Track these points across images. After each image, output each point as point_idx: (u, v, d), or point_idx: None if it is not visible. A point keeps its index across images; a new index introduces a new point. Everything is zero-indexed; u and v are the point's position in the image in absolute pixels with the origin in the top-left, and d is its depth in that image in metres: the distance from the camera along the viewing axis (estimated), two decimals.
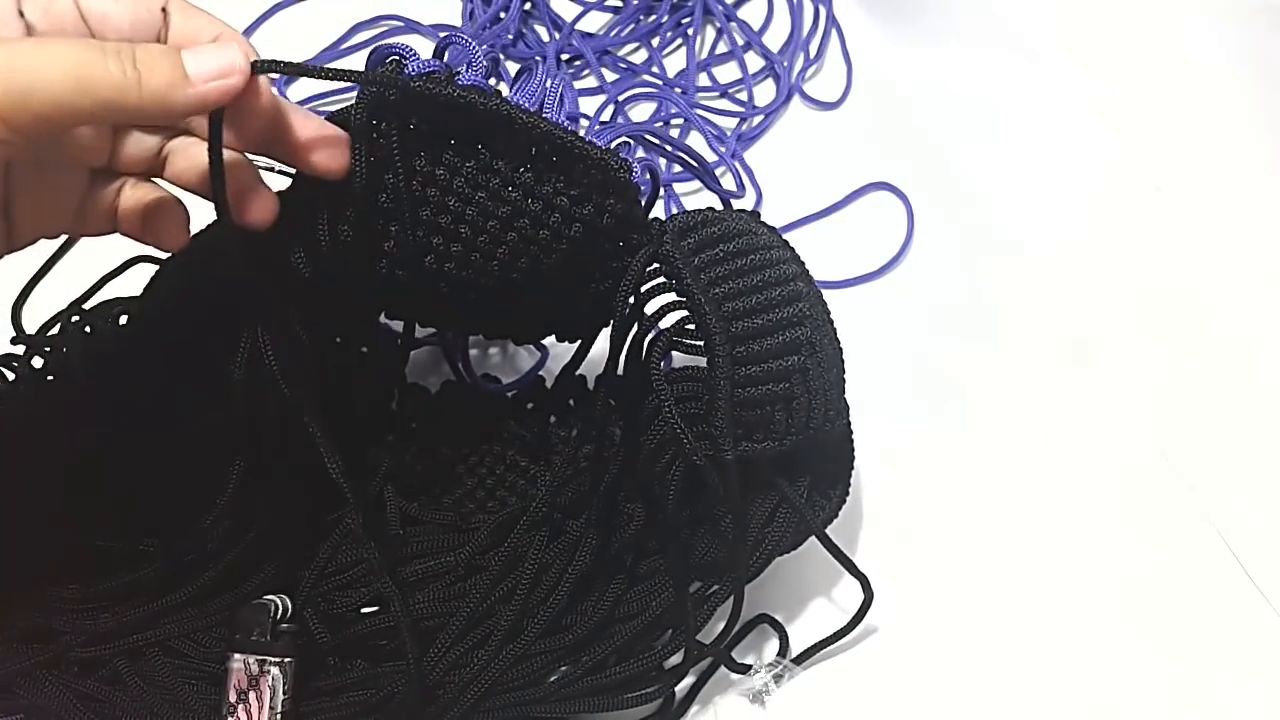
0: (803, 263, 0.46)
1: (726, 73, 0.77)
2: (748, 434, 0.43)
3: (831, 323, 0.46)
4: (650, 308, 0.43)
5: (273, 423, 0.45)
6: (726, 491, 0.43)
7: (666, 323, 0.43)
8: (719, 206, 0.48)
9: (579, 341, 0.50)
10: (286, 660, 0.45)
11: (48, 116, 0.32)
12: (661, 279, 0.43)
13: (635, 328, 0.44)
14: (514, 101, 0.40)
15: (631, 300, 0.43)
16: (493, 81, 0.41)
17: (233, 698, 0.44)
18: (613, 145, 0.42)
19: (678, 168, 0.69)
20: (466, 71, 0.40)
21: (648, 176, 0.46)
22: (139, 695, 0.45)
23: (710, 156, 0.71)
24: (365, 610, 0.50)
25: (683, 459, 0.43)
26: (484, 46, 0.72)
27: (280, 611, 0.46)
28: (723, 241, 0.43)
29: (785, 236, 0.64)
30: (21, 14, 0.35)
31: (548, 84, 0.42)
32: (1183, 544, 0.57)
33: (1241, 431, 0.61)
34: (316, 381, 0.44)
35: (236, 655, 0.45)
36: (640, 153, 0.68)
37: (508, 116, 0.40)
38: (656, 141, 0.52)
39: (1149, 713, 0.52)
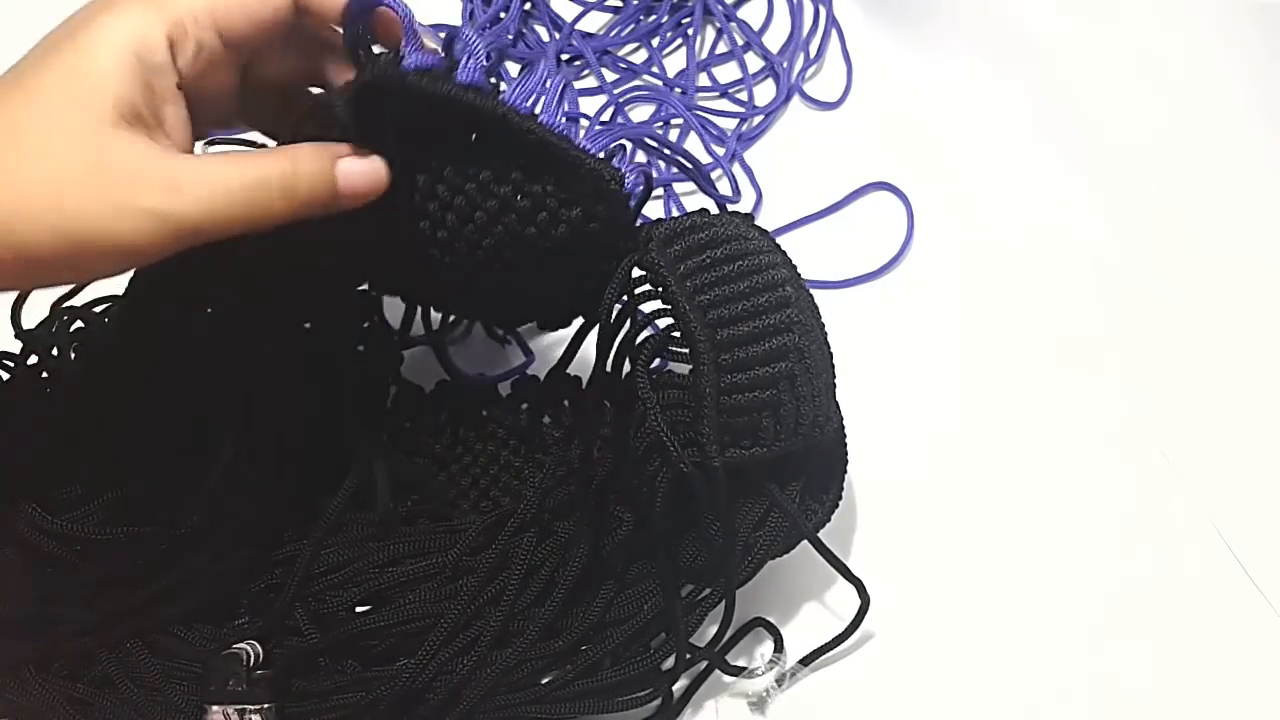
0: (794, 266, 0.46)
1: (726, 73, 0.76)
2: (735, 441, 0.43)
3: (822, 327, 0.46)
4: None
5: (258, 411, 0.45)
6: (714, 498, 0.43)
7: (652, 330, 0.43)
8: (714, 209, 0.48)
9: (569, 341, 0.50)
10: (267, 706, 0.44)
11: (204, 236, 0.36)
12: (647, 286, 0.43)
13: (621, 334, 0.43)
14: (512, 99, 0.40)
15: (617, 307, 0.43)
16: (493, 81, 0.41)
17: None
18: (608, 149, 0.42)
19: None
20: (468, 62, 0.40)
21: (641, 180, 0.46)
22: (127, 697, 0.45)
23: (707, 159, 0.71)
24: (357, 610, 0.50)
25: (669, 466, 0.43)
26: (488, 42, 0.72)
27: (252, 659, 0.45)
28: (710, 247, 0.43)
29: (785, 237, 0.64)
30: (175, 64, 0.37)
31: (548, 84, 0.42)
32: (1183, 544, 0.57)
33: (1241, 431, 0.61)
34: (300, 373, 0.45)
35: (214, 706, 0.43)
36: (640, 156, 0.68)
37: (503, 118, 0.40)
38: (654, 145, 0.52)
39: (1149, 713, 0.52)
